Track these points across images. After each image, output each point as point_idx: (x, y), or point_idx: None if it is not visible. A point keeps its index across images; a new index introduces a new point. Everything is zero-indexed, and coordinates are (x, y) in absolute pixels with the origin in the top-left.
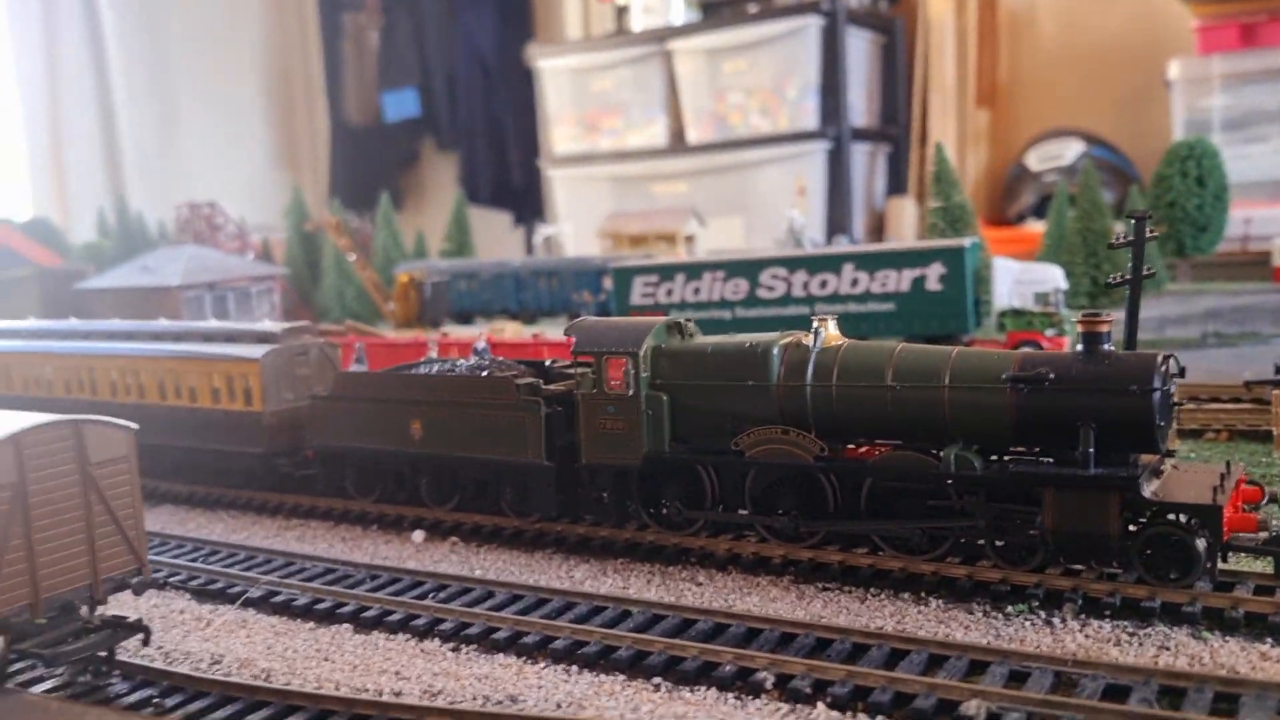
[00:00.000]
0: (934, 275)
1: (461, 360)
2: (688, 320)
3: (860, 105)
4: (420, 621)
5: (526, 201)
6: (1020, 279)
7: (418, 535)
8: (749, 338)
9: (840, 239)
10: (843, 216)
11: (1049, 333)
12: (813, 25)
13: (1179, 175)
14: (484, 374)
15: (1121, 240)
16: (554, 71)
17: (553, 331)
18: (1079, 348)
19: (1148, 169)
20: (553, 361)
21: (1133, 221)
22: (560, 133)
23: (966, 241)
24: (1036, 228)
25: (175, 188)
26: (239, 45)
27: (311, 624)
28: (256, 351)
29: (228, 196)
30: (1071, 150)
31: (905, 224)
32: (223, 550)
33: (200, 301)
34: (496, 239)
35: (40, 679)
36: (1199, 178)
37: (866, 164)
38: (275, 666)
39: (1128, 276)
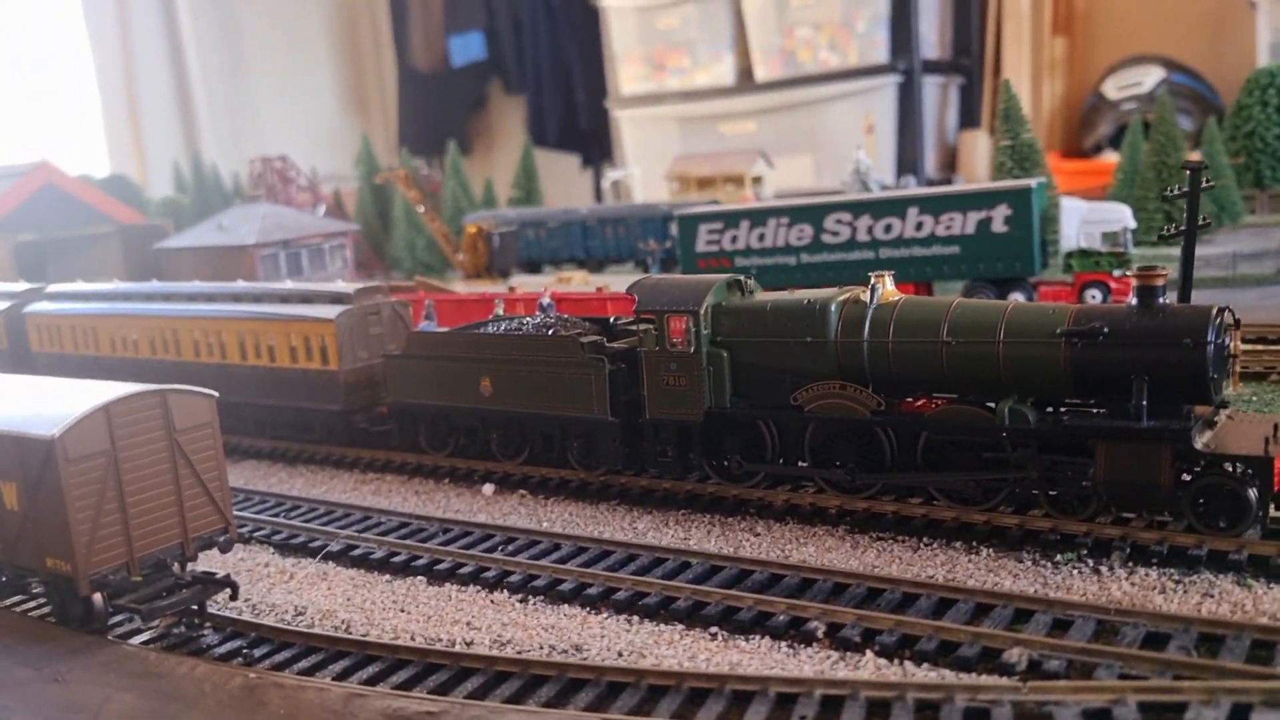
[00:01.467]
0: (999, 217)
1: (528, 318)
2: (748, 278)
3: (932, 36)
4: (490, 574)
5: (594, 143)
6: (1088, 219)
7: (488, 488)
8: (807, 294)
9: (907, 180)
10: (914, 153)
11: (1117, 273)
12: None
13: (1259, 105)
14: (549, 332)
15: (1177, 191)
16: (619, 10)
17: (619, 282)
18: (1133, 301)
19: (1231, 95)
20: (616, 318)
21: (1188, 173)
22: (627, 72)
23: (1033, 182)
24: (1113, 159)
25: (246, 139)
26: None
27: (388, 576)
28: (331, 312)
29: (298, 146)
30: (1151, 77)
31: (979, 159)
32: (303, 505)
33: (275, 259)
34: (565, 182)
35: (138, 631)
36: None
37: (938, 97)
38: (355, 618)
39: (1183, 228)
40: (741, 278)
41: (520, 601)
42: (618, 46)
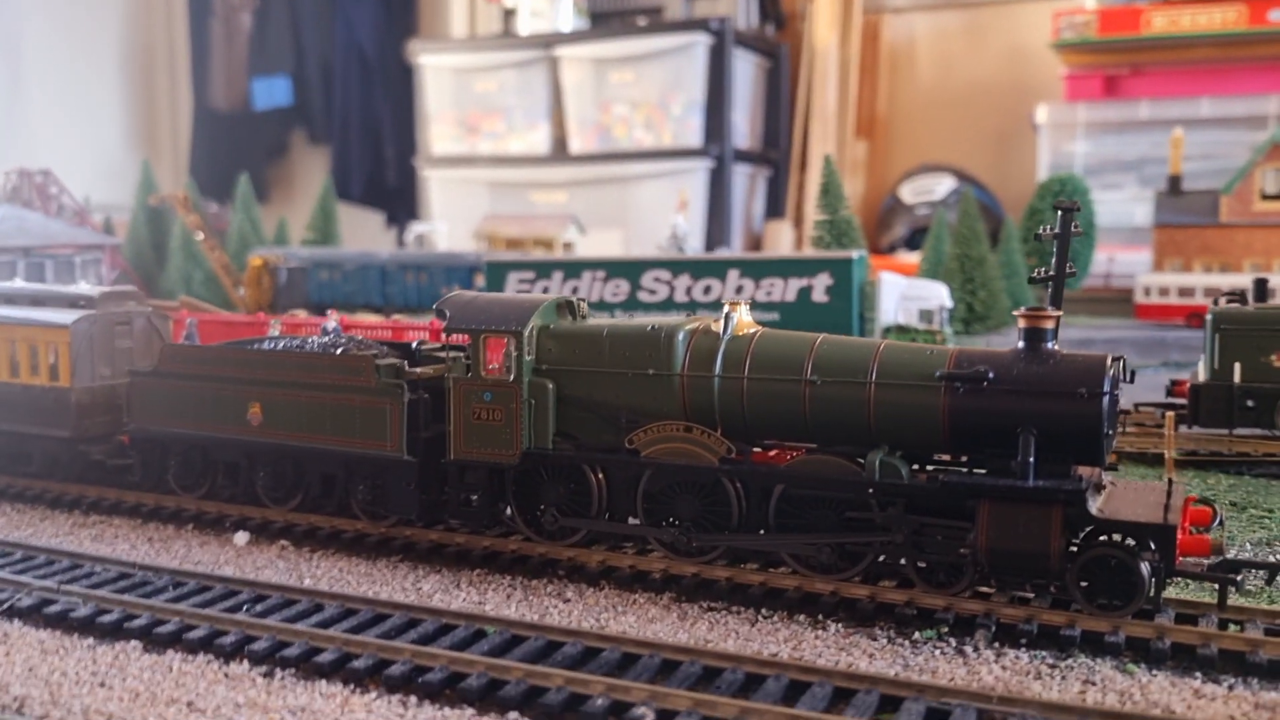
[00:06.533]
0: (820, 286)
1: (312, 338)
2: (581, 299)
3: (743, 127)
4: (227, 640)
5: (400, 201)
6: (906, 295)
7: (240, 537)
8: (651, 320)
9: (722, 249)
10: (722, 235)
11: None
12: (700, 43)
13: (1050, 209)
14: (339, 351)
15: (1049, 232)
16: (436, 69)
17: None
18: (1020, 345)
19: (1011, 208)
20: (420, 343)
21: (1059, 213)
22: (439, 132)
23: (854, 253)
24: (908, 258)
25: (13, 159)
26: (97, 14)
27: (91, 640)
28: (67, 318)
29: (74, 174)
30: (943, 185)
31: (783, 247)
32: None
33: (12, 268)
34: (368, 239)
35: None
36: None
37: (747, 186)
38: (32, 693)
39: (1050, 273)
40: (573, 299)
41: (264, 676)
42: (431, 105)
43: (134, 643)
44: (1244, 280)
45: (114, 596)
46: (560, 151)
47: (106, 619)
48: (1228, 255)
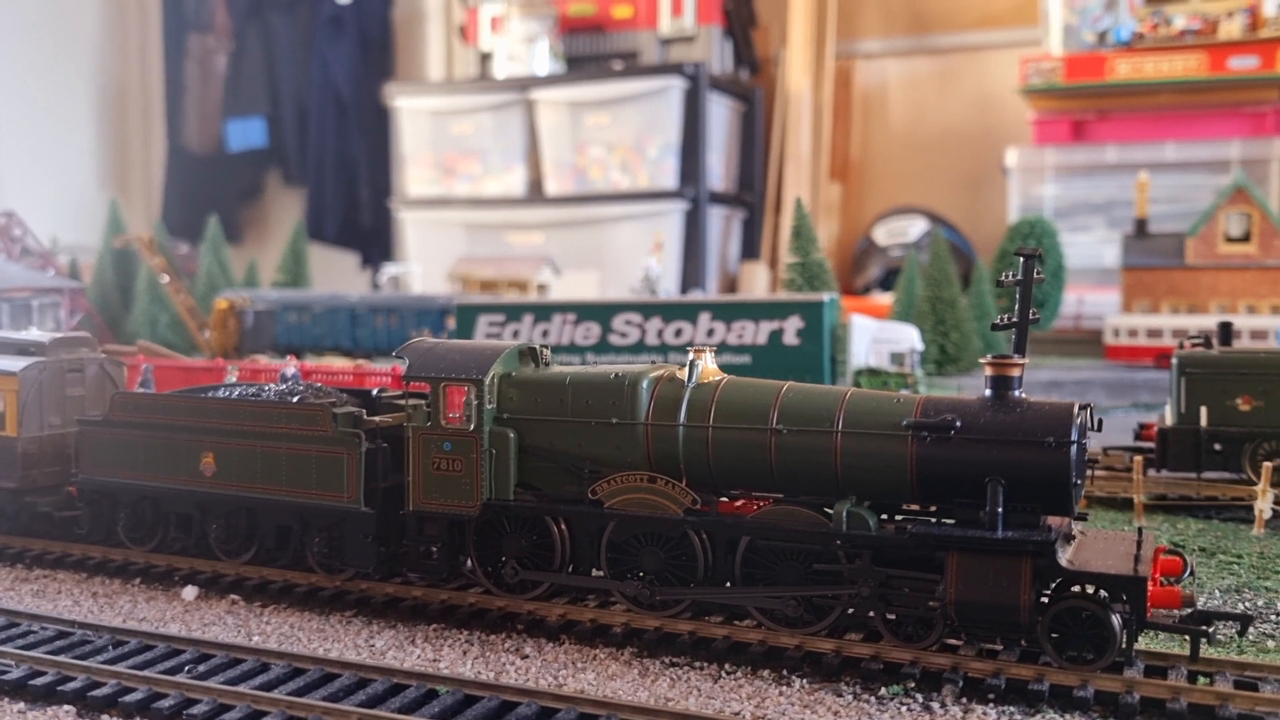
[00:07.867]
0: (791, 329)
1: (269, 385)
2: (543, 347)
3: (718, 169)
4: (166, 703)
5: (376, 243)
6: (877, 338)
7: (189, 592)
8: (614, 368)
9: (696, 290)
10: (697, 277)
11: (904, 392)
12: (676, 87)
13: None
14: (295, 399)
15: (1010, 278)
16: (412, 111)
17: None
18: (987, 393)
19: (982, 249)
20: (380, 391)
21: (1021, 259)
22: (415, 174)
23: (825, 296)
24: (882, 299)
25: None
26: (69, 54)
27: (22, 705)
28: (15, 365)
29: (42, 214)
30: (916, 227)
31: (758, 288)
32: None
33: None
34: (341, 280)
35: None
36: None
37: (722, 227)
38: None
39: (1013, 319)
40: (536, 346)
41: None
42: (408, 147)
43: (67, 707)
44: (1210, 321)
45: (48, 658)
46: (536, 193)
47: (40, 681)
48: (1194, 297)
